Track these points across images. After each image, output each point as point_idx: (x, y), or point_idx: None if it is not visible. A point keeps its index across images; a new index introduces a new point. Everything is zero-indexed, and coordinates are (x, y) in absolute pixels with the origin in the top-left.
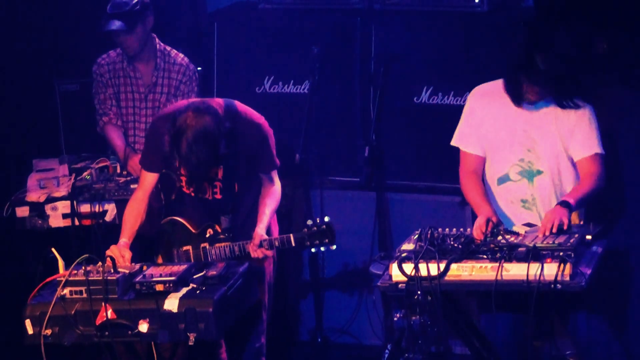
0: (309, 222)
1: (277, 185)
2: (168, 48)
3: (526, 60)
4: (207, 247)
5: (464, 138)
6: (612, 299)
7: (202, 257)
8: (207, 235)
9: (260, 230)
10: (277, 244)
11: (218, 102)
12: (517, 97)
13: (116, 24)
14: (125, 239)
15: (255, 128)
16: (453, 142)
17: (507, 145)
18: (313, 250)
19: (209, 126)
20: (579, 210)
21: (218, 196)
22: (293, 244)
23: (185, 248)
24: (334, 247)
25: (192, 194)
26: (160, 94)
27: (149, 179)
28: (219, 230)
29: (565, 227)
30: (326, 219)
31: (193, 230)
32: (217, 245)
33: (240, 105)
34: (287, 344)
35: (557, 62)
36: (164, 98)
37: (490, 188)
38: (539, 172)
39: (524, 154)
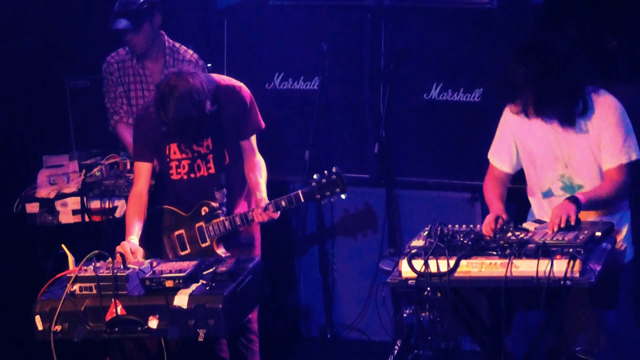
0: (315, 176)
1: (259, 155)
2: (177, 45)
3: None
4: (203, 225)
5: (496, 153)
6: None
7: (197, 237)
8: (203, 213)
9: (263, 195)
10: (283, 203)
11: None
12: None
13: (123, 23)
14: (133, 236)
15: (235, 92)
16: (489, 155)
17: (546, 162)
18: (323, 202)
19: (193, 84)
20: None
21: (212, 170)
22: (302, 200)
23: (177, 233)
24: (344, 196)
25: (185, 177)
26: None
27: (145, 171)
28: (215, 205)
29: (572, 223)
30: (334, 169)
31: (184, 214)
32: (215, 221)
33: (216, 76)
34: (297, 340)
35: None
36: None
37: (535, 199)
38: (580, 187)
39: (562, 169)
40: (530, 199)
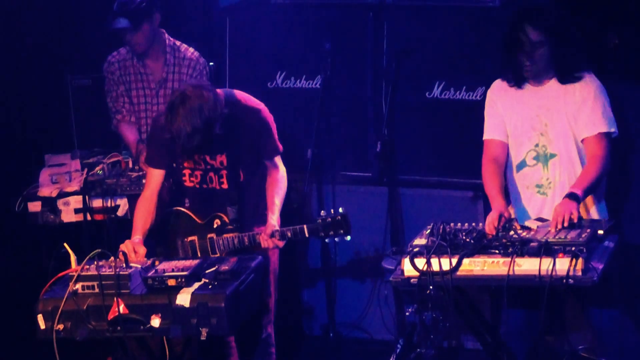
0: (323, 212)
1: (282, 171)
2: (178, 43)
3: (517, 34)
4: (214, 237)
5: (488, 128)
6: (626, 292)
7: (208, 247)
8: (215, 225)
9: (272, 221)
10: (289, 234)
11: (217, 91)
12: (518, 78)
13: (122, 23)
14: (138, 236)
15: (254, 114)
16: (484, 137)
17: (523, 132)
18: (327, 240)
19: (206, 99)
20: (599, 204)
21: (225, 186)
22: (307, 235)
23: (190, 238)
24: (349, 237)
25: (197, 186)
26: (172, 89)
27: (156, 176)
28: (227, 220)
29: (575, 220)
30: (340, 209)
31: (199, 221)
32: (225, 235)
33: (239, 93)
34: (300, 338)
35: (547, 33)
36: None
37: (511, 175)
38: (553, 156)
39: (538, 138)
40: (507, 176)
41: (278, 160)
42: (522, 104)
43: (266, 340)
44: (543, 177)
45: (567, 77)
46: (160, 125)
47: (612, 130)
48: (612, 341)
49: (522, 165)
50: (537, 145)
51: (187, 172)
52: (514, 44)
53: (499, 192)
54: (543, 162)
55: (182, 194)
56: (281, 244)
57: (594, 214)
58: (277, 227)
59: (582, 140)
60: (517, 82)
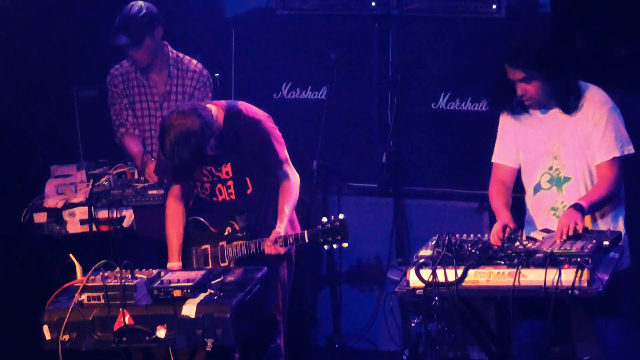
0: (324, 219)
1: (293, 178)
2: (181, 55)
3: (503, 72)
4: (225, 245)
5: (499, 152)
6: (633, 303)
7: (219, 255)
8: (226, 233)
9: (279, 228)
10: (291, 240)
11: (220, 103)
12: (522, 106)
13: (123, 40)
14: (175, 262)
15: (255, 125)
16: (493, 159)
17: (537, 156)
18: (326, 247)
19: (191, 127)
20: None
21: (234, 196)
22: (307, 240)
23: (204, 247)
24: (346, 244)
25: (207, 198)
26: (175, 102)
27: (176, 187)
28: (237, 228)
29: (580, 231)
30: (340, 216)
31: (212, 229)
32: (235, 243)
33: (241, 104)
34: (305, 349)
35: (528, 69)
36: None
37: (528, 199)
38: (567, 179)
39: (551, 161)
40: (526, 199)
41: (287, 168)
42: (534, 127)
43: (275, 350)
44: (558, 201)
45: (568, 107)
46: None
47: (626, 152)
48: (618, 352)
49: (537, 188)
50: (550, 168)
51: (198, 184)
52: (504, 80)
53: (504, 206)
54: (557, 186)
55: (199, 204)
56: (282, 250)
57: (609, 226)
58: (281, 234)
59: (596, 165)
60: (523, 109)
